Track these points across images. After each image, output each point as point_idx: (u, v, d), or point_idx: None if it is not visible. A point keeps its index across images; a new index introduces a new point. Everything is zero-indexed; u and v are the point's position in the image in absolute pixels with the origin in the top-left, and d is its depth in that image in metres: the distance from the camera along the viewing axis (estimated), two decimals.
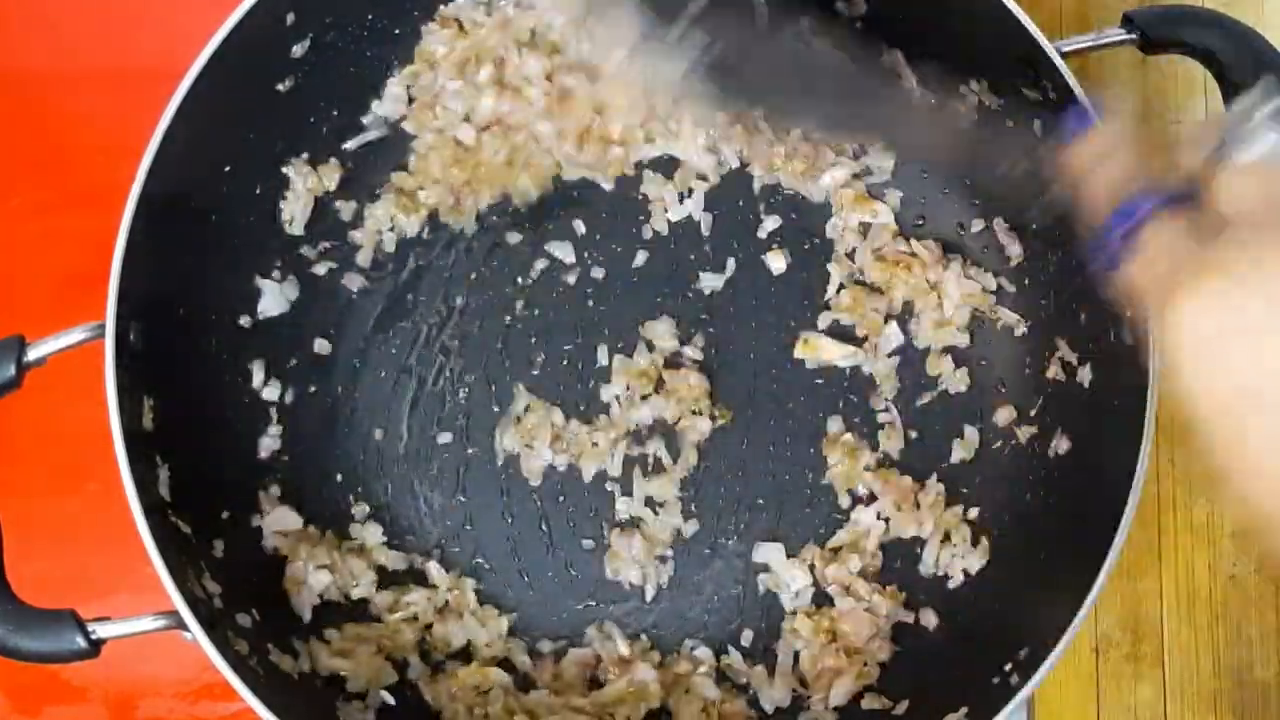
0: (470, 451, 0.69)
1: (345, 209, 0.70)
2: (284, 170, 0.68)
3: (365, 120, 0.70)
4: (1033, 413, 0.68)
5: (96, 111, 0.74)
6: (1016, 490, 0.68)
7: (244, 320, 0.68)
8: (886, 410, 0.69)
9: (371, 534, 0.68)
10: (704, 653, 0.68)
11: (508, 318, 0.70)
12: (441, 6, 0.69)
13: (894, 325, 0.70)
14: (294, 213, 0.69)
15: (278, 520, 0.66)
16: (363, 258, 0.70)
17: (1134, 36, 0.60)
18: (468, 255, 0.71)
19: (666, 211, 0.71)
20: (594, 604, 0.68)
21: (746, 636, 0.68)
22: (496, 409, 0.70)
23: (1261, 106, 0.42)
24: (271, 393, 0.68)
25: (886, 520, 0.68)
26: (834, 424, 0.69)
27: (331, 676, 0.64)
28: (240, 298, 0.68)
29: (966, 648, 0.65)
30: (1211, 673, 0.72)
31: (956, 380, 0.70)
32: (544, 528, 0.69)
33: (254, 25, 0.61)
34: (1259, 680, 0.72)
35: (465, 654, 0.67)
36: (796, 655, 0.67)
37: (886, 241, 0.70)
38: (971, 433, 0.69)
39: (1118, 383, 0.61)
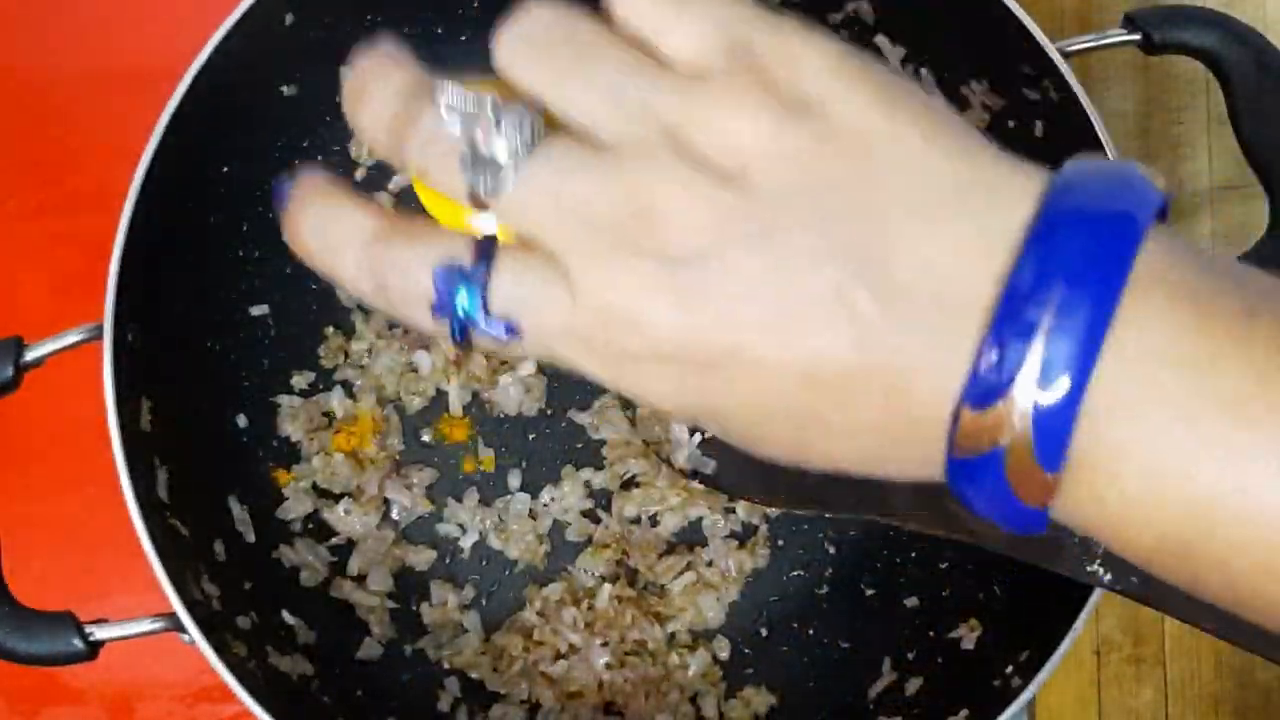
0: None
1: None
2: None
3: None
4: None
5: (96, 112, 0.74)
6: None
7: (242, 320, 0.68)
8: None
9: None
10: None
11: None
12: None
13: None
14: None
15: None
16: None
17: (1136, 37, 0.60)
18: None
19: None
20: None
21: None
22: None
23: None
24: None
25: None
26: None
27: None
28: (239, 298, 0.67)
29: (967, 649, 0.64)
30: (1213, 675, 0.72)
31: None
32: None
33: (253, 25, 0.61)
34: (1261, 683, 0.72)
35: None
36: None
37: None
38: None
39: None
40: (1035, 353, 0.27)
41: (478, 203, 0.30)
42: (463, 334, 0.31)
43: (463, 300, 0.30)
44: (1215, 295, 0.28)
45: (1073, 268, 0.27)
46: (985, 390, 0.27)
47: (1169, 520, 0.28)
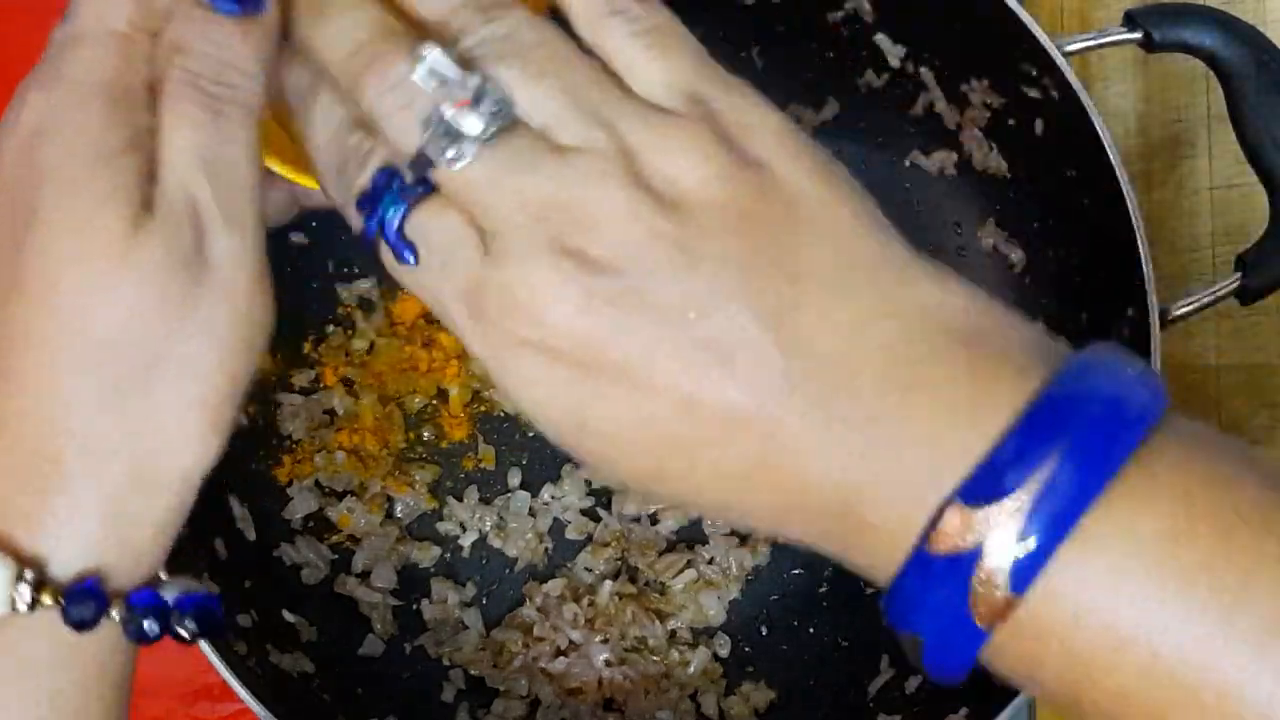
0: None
1: None
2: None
3: None
4: None
5: None
6: None
7: None
8: None
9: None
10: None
11: None
12: None
13: None
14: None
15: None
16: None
17: (1136, 35, 0.60)
18: None
19: None
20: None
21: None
22: None
23: None
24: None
25: None
26: None
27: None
28: None
29: None
30: None
31: None
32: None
33: None
34: None
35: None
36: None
37: None
38: None
39: None
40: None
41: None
42: (372, 235, 0.32)
43: (387, 204, 0.31)
44: (1210, 498, 0.29)
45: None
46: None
47: (1099, 685, 0.30)
